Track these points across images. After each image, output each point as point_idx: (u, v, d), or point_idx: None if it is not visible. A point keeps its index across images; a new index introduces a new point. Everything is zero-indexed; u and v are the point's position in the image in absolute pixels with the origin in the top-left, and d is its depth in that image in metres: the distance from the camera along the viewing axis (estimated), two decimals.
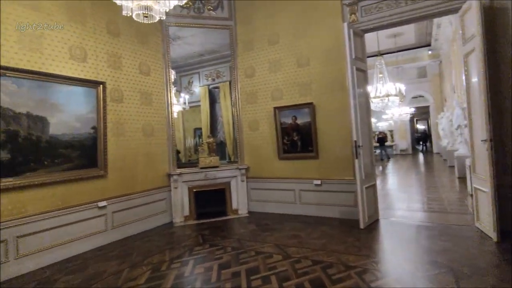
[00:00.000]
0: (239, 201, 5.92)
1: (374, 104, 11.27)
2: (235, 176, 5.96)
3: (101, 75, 4.75)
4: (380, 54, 11.85)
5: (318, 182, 5.38)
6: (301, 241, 4.16)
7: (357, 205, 4.68)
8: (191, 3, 5.86)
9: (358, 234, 4.32)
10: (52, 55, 4.15)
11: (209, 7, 5.97)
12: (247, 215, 5.84)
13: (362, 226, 4.52)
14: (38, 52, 4.00)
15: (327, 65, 5.31)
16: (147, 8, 2.07)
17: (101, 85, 4.66)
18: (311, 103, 5.40)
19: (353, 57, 4.61)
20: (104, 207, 4.62)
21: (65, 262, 3.97)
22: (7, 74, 3.71)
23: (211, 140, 6.12)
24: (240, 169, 5.96)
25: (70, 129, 4.26)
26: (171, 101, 5.91)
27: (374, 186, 4.90)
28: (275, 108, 5.73)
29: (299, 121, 5.54)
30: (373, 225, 4.67)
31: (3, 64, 3.64)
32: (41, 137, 3.97)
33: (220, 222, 5.45)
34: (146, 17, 2.10)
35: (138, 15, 2.13)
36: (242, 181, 5.98)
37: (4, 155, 3.63)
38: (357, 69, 4.68)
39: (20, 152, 3.76)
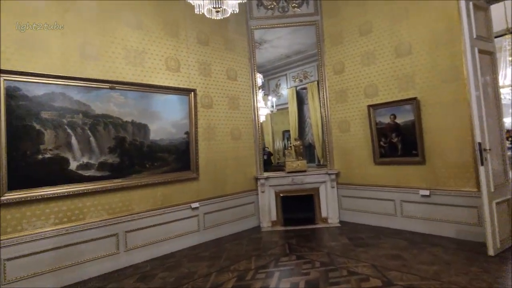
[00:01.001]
0: (329, 209, 5.40)
1: (502, 96, 9.07)
2: (324, 182, 5.46)
3: (193, 82, 4.94)
4: (510, 31, 9.48)
5: (426, 192, 4.45)
6: (405, 264, 3.43)
7: (483, 225, 3.64)
8: (275, 3, 5.65)
9: (485, 263, 3.33)
10: (152, 68, 4.48)
11: (294, 4, 5.67)
12: (338, 225, 5.27)
13: (491, 252, 3.48)
14: (141, 66, 4.37)
15: (435, 51, 4.37)
16: (217, 2, 1.87)
17: (192, 92, 4.84)
18: (414, 99, 4.51)
19: (474, 36, 3.62)
20: (196, 208, 4.78)
21: (163, 258, 4.22)
22: (117, 88, 4.12)
23: (297, 143, 5.77)
24: (329, 174, 5.44)
25: (167, 134, 4.52)
26: (257, 105, 5.82)
27: (509, 202, 3.74)
28: (369, 106, 5.02)
29: (398, 120, 4.70)
30: (508, 253, 3.54)
31: (114, 79, 4.06)
32: (143, 142, 4.31)
33: (308, 231, 5.05)
34: (218, 11, 1.90)
35: (209, 10, 1.95)
36: (332, 187, 5.44)
37: (115, 158, 4.03)
38: (481, 51, 3.67)
39: (126, 156, 4.15)
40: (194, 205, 4.75)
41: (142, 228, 4.24)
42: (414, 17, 4.57)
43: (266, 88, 9.01)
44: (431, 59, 4.41)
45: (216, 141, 5.19)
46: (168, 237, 4.47)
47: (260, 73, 6.96)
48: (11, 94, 3.34)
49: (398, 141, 4.73)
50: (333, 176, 5.45)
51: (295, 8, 5.69)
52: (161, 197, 4.47)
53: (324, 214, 5.42)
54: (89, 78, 3.86)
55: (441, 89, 4.32)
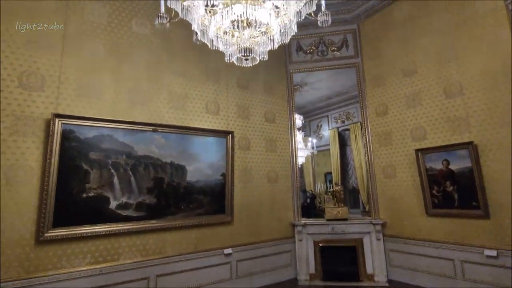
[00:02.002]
0: (375, 264, 4.85)
1: None
2: (369, 232, 4.99)
3: (231, 125, 5.04)
4: None
5: (492, 252, 3.81)
6: None
7: None
8: (314, 48, 5.75)
9: None
10: (193, 111, 4.69)
11: (333, 48, 5.71)
12: (387, 284, 4.69)
13: None
14: (182, 109, 4.60)
15: (492, 92, 3.99)
16: (246, 50, 1.90)
17: (230, 135, 4.92)
18: (470, 143, 4.07)
19: None
20: (229, 254, 4.61)
21: None
22: (159, 130, 4.34)
23: (338, 188, 5.45)
24: (374, 224, 4.97)
25: (203, 176, 4.56)
26: (295, 147, 5.71)
27: None
28: (417, 150, 4.63)
29: (453, 167, 4.23)
30: None
31: (157, 122, 4.30)
32: (180, 184, 4.38)
33: None
34: (247, 59, 1.93)
35: (239, 59, 1.99)
36: (378, 239, 4.94)
37: (152, 199, 4.13)
38: None
39: (163, 197, 4.23)
40: (227, 251, 4.59)
41: (173, 273, 4.15)
42: (463, 56, 4.29)
43: (307, 129, 8.92)
44: (488, 100, 4.01)
45: (252, 183, 5.10)
46: (199, 285, 4.29)
47: (301, 114, 6.95)
48: (66, 136, 3.67)
49: (454, 190, 4.21)
50: (379, 227, 4.95)
51: (335, 52, 5.72)
52: (194, 241, 4.39)
53: (369, 270, 4.87)
54: (135, 122, 4.13)
55: (503, 133, 3.84)
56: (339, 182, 6.40)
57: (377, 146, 5.32)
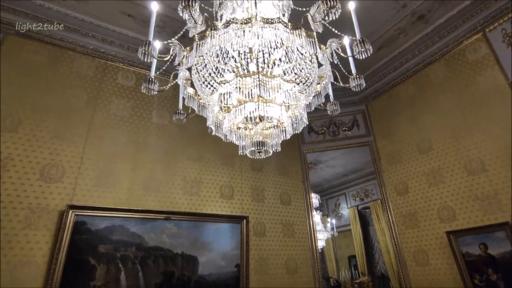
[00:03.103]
0: None
1: None
2: None
3: (245, 209, 4.96)
4: None
5: None
6: None
7: None
8: (325, 129, 5.97)
9: None
10: (206, 196, 4.70)
11: (344, 128, 5.91)
12: None
13: None
14: (196, 195, 4.62)
15: None
16: (259, 143, 1.97)
17: (244, 220, 4.82)
18: (506, 223, 3.80)
19: None
20: None
21: None
22: (172, 218, 4.28)
23: (365, 279, 5.00)
24: None
25: (215, 268, 4.31)
26: (314, 229, 5.46)
27: None
28: (448, 233, 4.34)
29: (492, 251, 3.88)
30: None
31: (170, 209, 4.29)
32: (191, 278, 4.13)
33: None
34: (260, 152, 1.99)
35: (252, 152, 2.06)
36: None
37: None
38: None
39: None
40: None
41: None
42: (477, 131, 4.32)
43: (325, 208, 8.66)
44: None
45: (269, 275, 4.74)
46: None
47: (317, 193, 6.84)
48: (78, 229, 3.65)
49: (499, 278, 3.77)
50: None
51: (346, 131, 5.90)
52: None
53: None
54: (149, 210, 4.13)
55: None
56: (365, 269, 5.88)
57: (403, 228, 5.01)
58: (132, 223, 3.98)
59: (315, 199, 6.28)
